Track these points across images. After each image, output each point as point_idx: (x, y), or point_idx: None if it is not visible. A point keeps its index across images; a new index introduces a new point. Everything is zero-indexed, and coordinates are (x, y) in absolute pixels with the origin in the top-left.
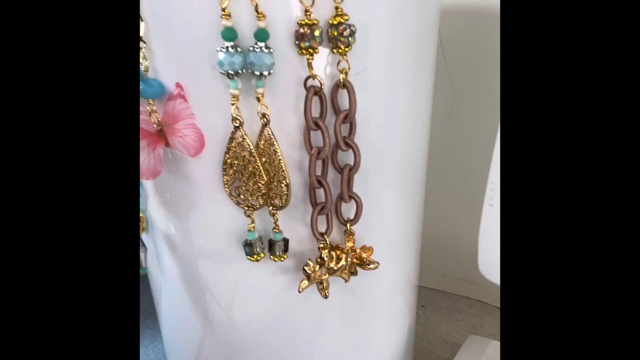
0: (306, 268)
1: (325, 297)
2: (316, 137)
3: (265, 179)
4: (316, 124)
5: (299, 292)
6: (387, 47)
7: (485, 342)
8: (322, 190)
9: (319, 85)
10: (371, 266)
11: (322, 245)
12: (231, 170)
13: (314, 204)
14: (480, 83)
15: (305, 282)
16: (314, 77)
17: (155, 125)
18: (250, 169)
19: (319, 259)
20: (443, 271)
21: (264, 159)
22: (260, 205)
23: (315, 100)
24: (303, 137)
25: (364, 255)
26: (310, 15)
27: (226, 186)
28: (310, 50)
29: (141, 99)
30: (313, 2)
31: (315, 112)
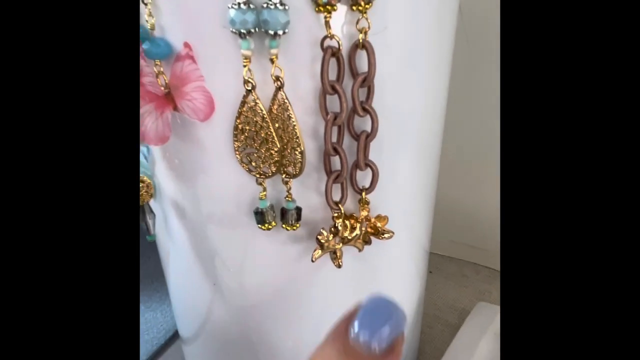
0: (320, 237)
1: (339, 266)
2: (332, 102)
3: (279, 146)
4: (333, 88)
5: (312, 261)
6: (408, 5)
7: (495, 309)
8: (337, 157)
9: (337, 46)
10: (386, 235)
11: (336, 215)
12: (242, 136)
13: (329, 172)
14: (496, 42)
15: (319, 252)
16: (331, 37)
17: (162, 88)
18: (262, 135)
19: (332, 228)
20: (451, 237)
21: (277, 125)
22: (272, 173)
23: (332, 62)
24: (319, 101)
25: (378, 224)
26: None
27: (237, 152)
28: (329, 8)
29: (148, 60)
30: None
31: (332, 75)
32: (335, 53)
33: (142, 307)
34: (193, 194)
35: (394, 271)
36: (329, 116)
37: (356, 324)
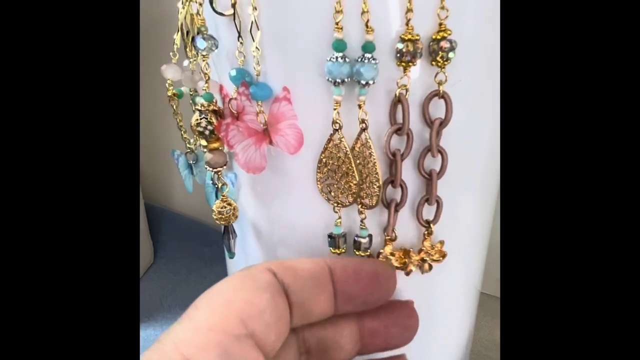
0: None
1: (407, 274)
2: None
3: (357, 179)
4: (400, 129)
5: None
6: (477, 60)
7: None
8: (399, 190)
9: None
10: (439, 258)
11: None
12: (325, 169)
13: (388, 203)
14: None
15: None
16: (406, 88)
17: (261, 125)
18: (344, 168)
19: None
20: (497, 276)
21: (357, 161)
22: (349, 203)
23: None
24: (386, 140)
25: (443, 248)
26: (412, 29)
27: (319, 182)
28: (410, 64)
29: (252, 101)
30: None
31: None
32: (402, 101)
33: None
34: (269, 218)
35: (446, 308)
36: (397, 155)
37: None
